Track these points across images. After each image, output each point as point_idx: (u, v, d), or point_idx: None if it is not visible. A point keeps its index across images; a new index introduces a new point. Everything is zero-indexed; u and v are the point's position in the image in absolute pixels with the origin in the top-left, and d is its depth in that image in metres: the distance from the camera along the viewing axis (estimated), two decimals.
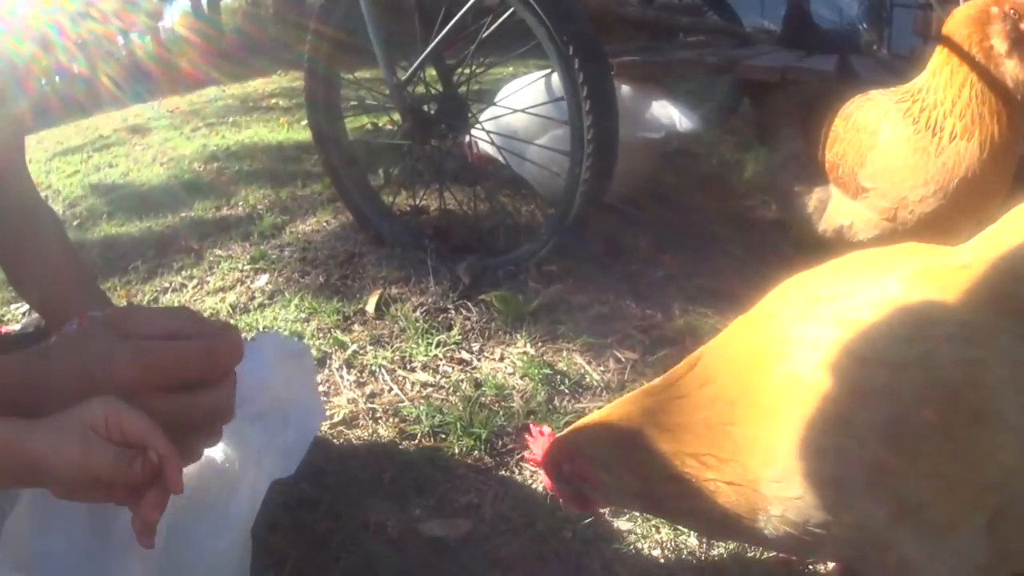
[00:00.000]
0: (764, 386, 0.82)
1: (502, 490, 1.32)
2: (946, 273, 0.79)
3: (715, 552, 1.17)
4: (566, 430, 1.06)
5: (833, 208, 1.69)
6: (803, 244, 1.81)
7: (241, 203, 2.76)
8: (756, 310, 0.92)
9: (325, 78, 2.16)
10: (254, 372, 1.07)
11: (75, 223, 2.95)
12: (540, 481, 1.30)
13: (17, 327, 1.90)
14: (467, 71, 2.09)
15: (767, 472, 0.80)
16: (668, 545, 1.19)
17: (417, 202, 2.36)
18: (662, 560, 1.17)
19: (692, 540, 1.19)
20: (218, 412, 0.85)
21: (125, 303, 2.10)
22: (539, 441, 1.08)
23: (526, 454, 1.10)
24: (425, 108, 2.08)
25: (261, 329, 1.82)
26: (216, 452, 1.04)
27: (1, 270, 1.48)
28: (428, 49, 1.97)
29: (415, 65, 2.01)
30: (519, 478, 1.35)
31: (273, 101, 5.04)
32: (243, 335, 1.10)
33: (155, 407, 0.80)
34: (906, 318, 0.77)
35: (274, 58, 6.49)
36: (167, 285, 2.18)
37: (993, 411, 0.73)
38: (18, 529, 0.97)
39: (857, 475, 0.76)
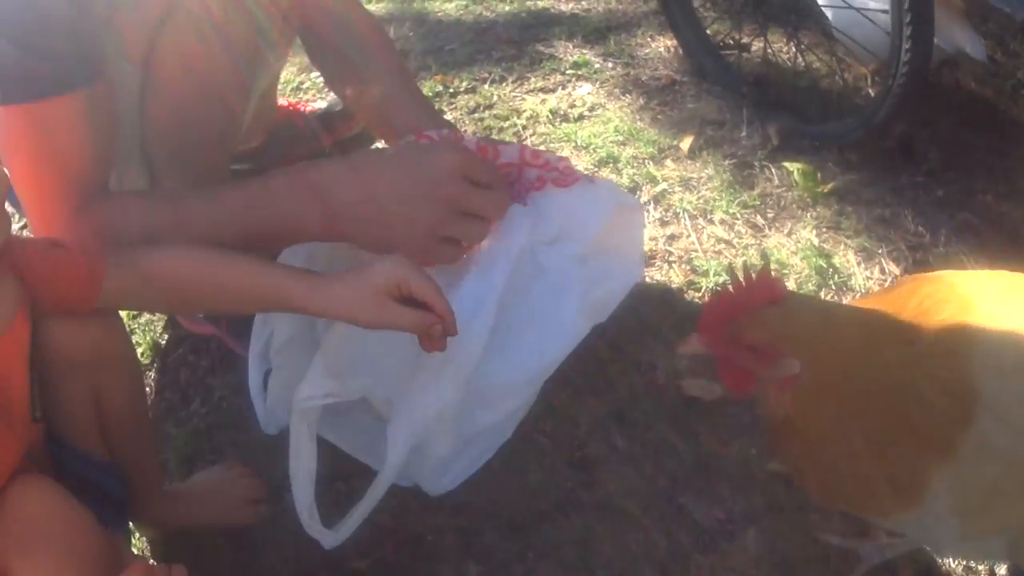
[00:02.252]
0: None
1: None
2: None
3: None
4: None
5: None
6: None
7: None
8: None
9: None
10: (588, 217, 1.22)
11: None
12: None
13: (322, 104, 2.05)
14: None
15: None
16: None
17: (740, 38, 2.36)
18: None
19: None
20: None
21: (440, 87, 2.27)
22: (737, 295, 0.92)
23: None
24: None
25: (578, 143, 1.98)
26: (542, 283, 1.18)
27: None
28: None
29: None
30: None
31: None
32: (583, 175, 1.25)
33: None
34: None
35: None
36: (486, 75, 2.31)
37: None
38: (336, 341, 1.11)
39: None
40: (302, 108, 2.06)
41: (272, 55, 1.63)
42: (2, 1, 1.09)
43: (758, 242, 1.73)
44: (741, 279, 0.91)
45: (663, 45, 2.43)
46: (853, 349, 0.87)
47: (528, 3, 2.74)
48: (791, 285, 1.63)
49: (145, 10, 1.25)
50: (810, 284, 1.63)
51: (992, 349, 0.85)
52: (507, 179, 1.25)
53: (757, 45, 2.34)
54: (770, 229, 1.78)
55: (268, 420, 1.28)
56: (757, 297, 0.89)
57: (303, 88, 2.37)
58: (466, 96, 2.22)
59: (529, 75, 2.28)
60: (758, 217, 1.80)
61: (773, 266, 1.64)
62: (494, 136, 2.02)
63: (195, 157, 1.45)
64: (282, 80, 2.39)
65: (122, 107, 1.34)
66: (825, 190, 1.86)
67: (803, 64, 2.26)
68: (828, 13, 2.10)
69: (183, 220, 1.17)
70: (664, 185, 1.85)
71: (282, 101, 2.07)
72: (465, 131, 2.00)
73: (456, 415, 1.10)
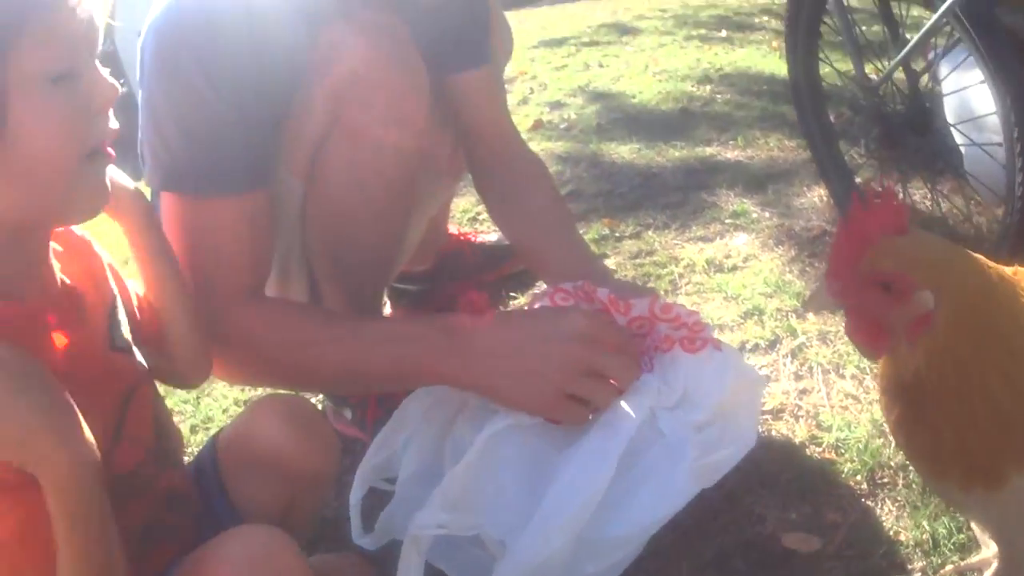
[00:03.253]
0: None
1: (861, 519, 1.53)
2: None
3: None
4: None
5: None
6: None
7: (731, 142, 3.02)
8: None
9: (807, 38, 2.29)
10: (711, 386, 1.29)
11: (563, 126, 3.30)
12: (890, 522, 1.51)
13: (492, 237, 2.23)
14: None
15: None
16: None
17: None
18: None
19: None
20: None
21: (607, 231, 2.48)
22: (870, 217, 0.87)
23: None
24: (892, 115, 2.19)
25: (728, 293, 2.14)
26: (659, 447, 1.26)
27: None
28: (899, 57, 2.08)
29: (887, 72, 2.14)
30: (878, 512, 1.55)
31: (764, 19, 4.98)
32: (711, 339, 1.36)
33: None
34: None
35: None
36: (650, 221, 2.52)
37: None
38: (459, 476, 1.18)
39: None
40: (472, 238, 2.28)
41: (439, 184, 1.82)
42: (178, 97, 1.19)
43: None
44: (863, 207, 0.87)
45: (817, 195, 2.58)
46: (990, 278, 0.83)
47: (697, 149, 2.97)
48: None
49: (308, 126, 1.33)
50: None
51: None
52: (639, 331, 1.36)
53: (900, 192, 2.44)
54: None
55: (360, 534, 1.36)
56: (883, 226, 0.85)
57: (479, 219, 2.65)
58: (630, 241, 2.44)
59: (691, 223, 2.48)
60: None
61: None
62: (651, 283, 2.22)
63: (354, 275, 1.52)
64: (460, 209, 2.69)
65: (284, 219, 1.42)
66: None
67: (940, 210, 2.34)
68: (962, 151, 2.18)
69: (324, 342, 1.26)
70: (803, 339, 1.98)
71: (454, 229, 2.30)
72: (625, 275, 2.22)
73: (564, 563, 1.17)
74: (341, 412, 1.72)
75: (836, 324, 2.03)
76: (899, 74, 2.19)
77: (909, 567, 1.46)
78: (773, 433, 1.75)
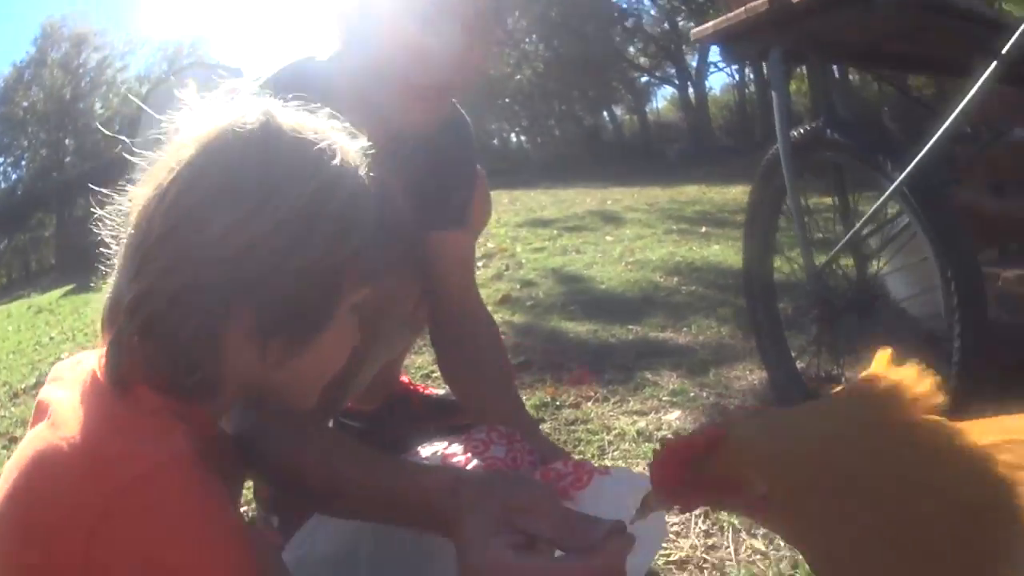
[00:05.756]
0: None
1: None
2: None
3: None
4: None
5: None
6: None
7: (685, 329, 3.16)
8: None
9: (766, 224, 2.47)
10: (613, 506, 1.24)
11: (529, 303, 3.46)
12: None
13: (440, 392, 2.32)
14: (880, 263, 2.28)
15: None
16: None
17: (824, 371, 2.52)
18: None
19: None
20: None
21: (548, 399, 2.58)
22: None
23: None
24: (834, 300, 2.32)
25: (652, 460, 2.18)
26: None
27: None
28: (843, 241, 2.23)
29: (831, 255, 2.28)
30: None
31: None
32: (595, 468, 1.37)
33: None
34: None
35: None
36: (592, 394, 2.63)
37: None
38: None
39: None
40: (421, 390, 2.37)
41: (400, 332, 1.90)
42: None
43: (793, 554, 1.84)
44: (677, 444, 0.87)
45: (757, 378, 2.68)
46: (823, 441, 0.80)
47: (651, 334, 3.09)
48: None
49: None
50: None
51: None
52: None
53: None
54: None
55: None
56: (702, 443, 0.85)
57: (432, 377, 2.76)
58: (569, 410, 2.52)
59: (630, 399, 2.57)
60: None
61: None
62: (581, 447, 2.27)
63: None
64: (416, 365, 2.78)
65: None
66: None
67: None
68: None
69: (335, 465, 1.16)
70: None
71: (406, 379, 2.40)
72: (557, 439, 2.28)
73: None
74: (269, 520, 1.74)
75: None
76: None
77: None
78: None
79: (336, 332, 1.00)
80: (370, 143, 1.10)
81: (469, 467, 1.38)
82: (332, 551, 1.36)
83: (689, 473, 0.83)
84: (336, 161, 0.97)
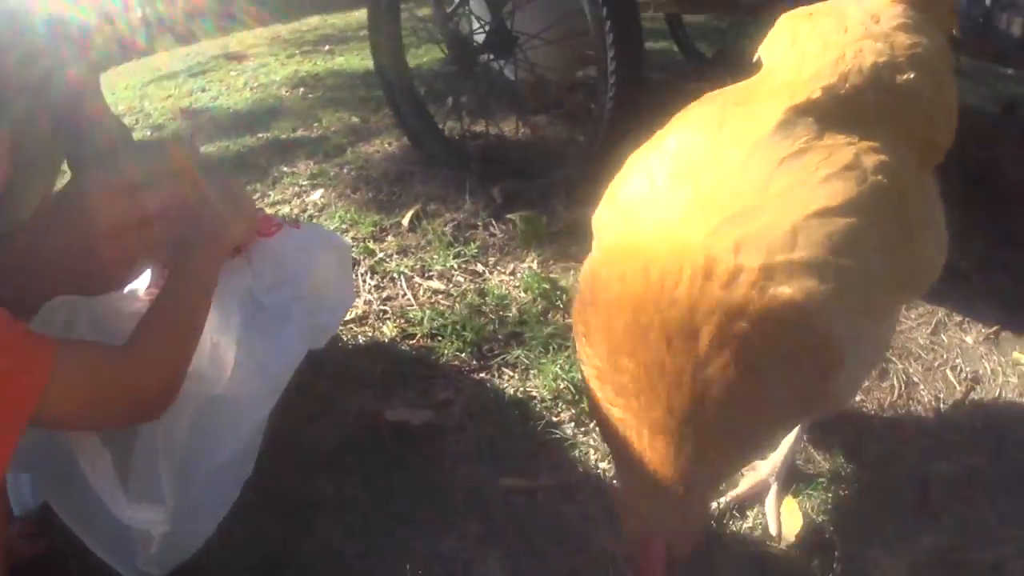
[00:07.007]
0: None
1: (476, 390, 1.48)
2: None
3: None
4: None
5: None
6: None
7: (316, 125, 2.95)
8: None
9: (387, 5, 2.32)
10: (299, 263, 1.29)
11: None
12: (512, 384, 1.49)
13: None
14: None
15: None
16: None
17: (468, 128, 2.51)
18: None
19: None
20: None
21: None
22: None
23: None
24: (471, 40, 2.23)
25: None
26: (267, 320, 1.23)
27: None
28: None
29: None
30: (496, 381, 1.51)
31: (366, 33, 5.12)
32: (284, 222, 1.31)
33: None
34: None
35: None
36: None
37: None
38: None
39: None
40: None
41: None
42: None
43: (477, 285, 1.80)
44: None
45: (398, 147, 2.55)
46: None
47: (282, 136, 2.89)
48: (513, 312, 1.68)
49: None
50: (536, 308, 1.69)
51: None
52: None
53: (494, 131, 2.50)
54: (491, 273, 1.83)
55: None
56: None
57: None
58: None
59: (270, 192, 2.35)
60: (478, 265, 1.86)
61: (493, 303, 1.72)
62: None
63: None
64: None
65: None
66: (554, 229, 1.94)
67: (526, 134, 2.43)
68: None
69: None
70: (381, 255, 1.89)
71: None
72: None
73: (190, 449, 1.13)
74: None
75: (417, 239, 1.98)
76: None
77: (555, 419, 1.41)
78: (360, 338, 1.64)
79: None
80: None
81: None
82: None
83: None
84: None
